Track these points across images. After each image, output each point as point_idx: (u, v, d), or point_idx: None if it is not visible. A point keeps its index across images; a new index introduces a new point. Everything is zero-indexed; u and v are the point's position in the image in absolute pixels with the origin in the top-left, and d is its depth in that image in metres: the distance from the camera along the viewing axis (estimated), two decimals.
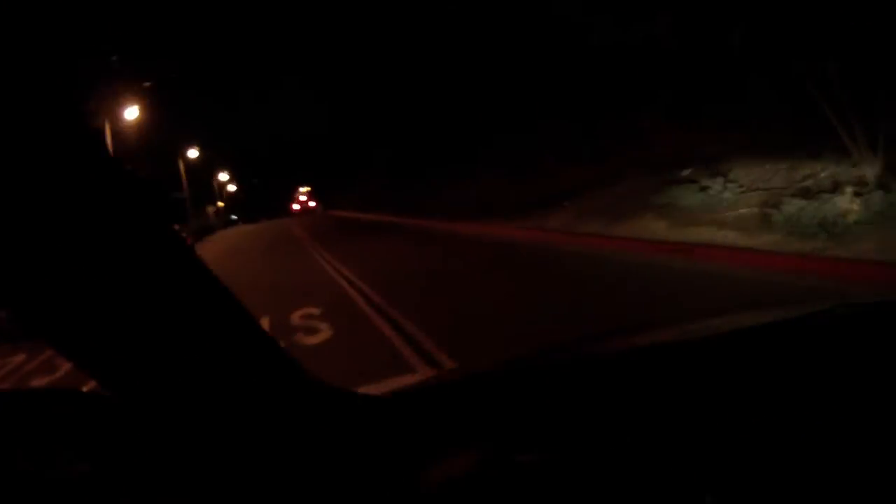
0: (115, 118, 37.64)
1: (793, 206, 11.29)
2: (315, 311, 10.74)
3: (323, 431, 0.99)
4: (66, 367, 8.06)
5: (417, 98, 31.98)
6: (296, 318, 10.42)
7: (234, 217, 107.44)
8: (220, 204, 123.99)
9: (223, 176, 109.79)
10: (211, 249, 37.74)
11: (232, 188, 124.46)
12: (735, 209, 12.81)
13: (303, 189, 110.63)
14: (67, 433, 0.87)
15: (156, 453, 0.88)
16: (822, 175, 11.88)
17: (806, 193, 11.58)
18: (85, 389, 0.96)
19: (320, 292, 12.73)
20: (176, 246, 0.89)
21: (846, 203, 10.48)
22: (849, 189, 10.73)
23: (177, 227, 31.68)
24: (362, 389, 1.19)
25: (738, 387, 1.22)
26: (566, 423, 1.16)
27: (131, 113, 38.20)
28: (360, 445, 1.01)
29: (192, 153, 68.87)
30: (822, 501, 0.93)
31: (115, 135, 58.47)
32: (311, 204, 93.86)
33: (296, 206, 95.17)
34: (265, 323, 10.01)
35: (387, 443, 1.06)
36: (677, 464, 0.99)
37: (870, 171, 10.78)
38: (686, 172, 15.15)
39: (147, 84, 41.23)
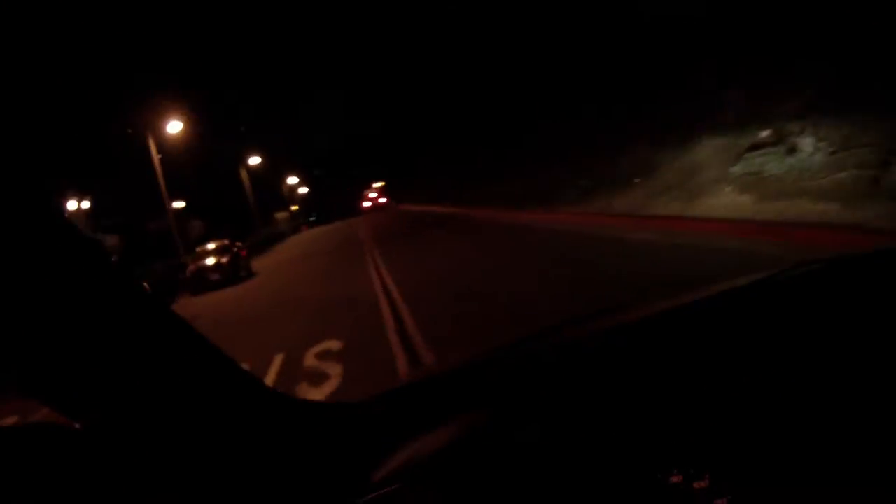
0: (159, 132, 36.76)
1: None
2: (335, 345, 9.29)
3: (281, 440, 1.07)
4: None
5: (476, 89, 31.87)
6: (310, 356, 9.10)
7: (312, 218, 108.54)
8: (294, 208, 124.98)
9: (292, 180, 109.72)
10: (272, 260, 37.51)
11: (303, 190, 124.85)
12: (830, 174, 10.56)
13: (375, 186, 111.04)
14: (41, 467, 0.90)
15: (126, 477, 0.93)
16: None
17: None
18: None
19: (352, 317, 11.40)
20: (134, 294, 0.97)
21: None
22: None
23: (238, 243, 31.17)
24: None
25: (702, 360, 1.23)
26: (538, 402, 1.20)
27: (174, 127, 38.59)
28: (313, 450, 1.09)
29: (254, 160, 68.13)
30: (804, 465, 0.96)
31: (176, 148, 58.22)
32: (382, 200, 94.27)
33: (366, 204, 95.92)
34: (277, 361, 9.32)
35: (339, 445, 1.13)
36: (654, 439, 1.03)
37: None
38: (765, 134, 12.86)
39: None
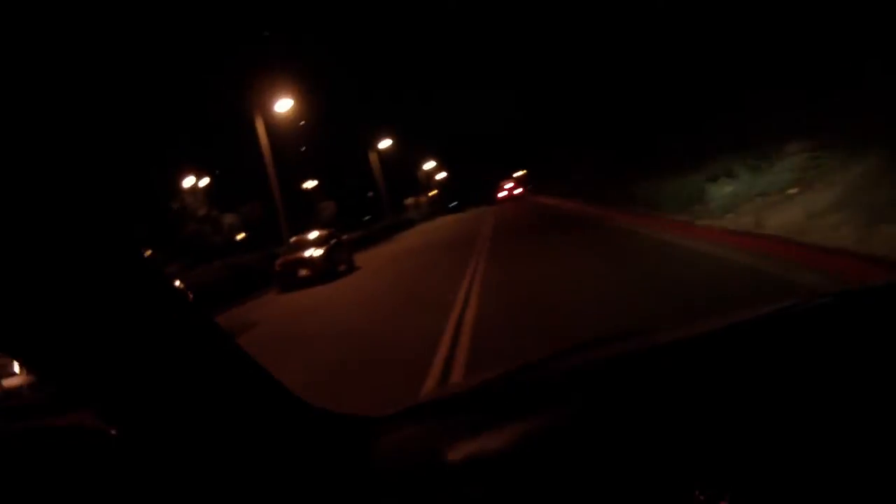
0: (267, 111, 33.93)
1: None
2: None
3: (308, 452, 1.12)
4: None
5: (617, 88, 29.88)
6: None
7: (453, 204, 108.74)
8: (432, 193, 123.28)
9: (428, 164, 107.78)
10: (385, 252, 34.85)
11: (441, 175, 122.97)
12: None
13: (515, 175, 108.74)
14: (69, 468, 0.98)
15: (157, 481, 0.99)
16: None
17: None
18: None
19: (401, 362, 8.56)
20: (172, 304, 1.02)
21: None
22: None
23: (344, 236, 28.59)
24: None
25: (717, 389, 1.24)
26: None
27: (283, 105, 36.63)
28: (340, 463, 1.14)
29: (385, 143, 65.24)
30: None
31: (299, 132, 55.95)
32: (517, 191, 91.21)
33: (502, 194, 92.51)
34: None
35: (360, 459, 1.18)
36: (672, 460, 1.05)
37: None
38: None
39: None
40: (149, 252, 60.14)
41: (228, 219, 63.95)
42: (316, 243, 24.92)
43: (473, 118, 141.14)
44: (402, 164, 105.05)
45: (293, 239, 27.10)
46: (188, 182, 62.82)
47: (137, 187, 57.70)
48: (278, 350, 11.26)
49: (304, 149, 76.77)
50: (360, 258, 31.84)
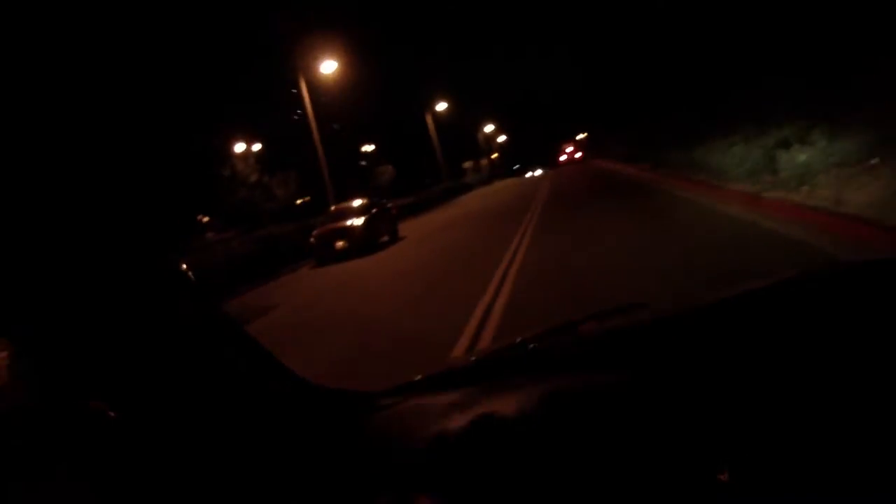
0: (311, 73, 32.60)
1: None
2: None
3: (303, 425, 1.15)
4: None
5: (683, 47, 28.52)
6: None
7: (516, 167, 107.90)
8: (494, 156, 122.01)
9: (488, 128, 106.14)
10: (435, 219, 33.55)
11: (501, 139, 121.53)
12: None
13: (578, 138, 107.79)
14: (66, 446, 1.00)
15: (146, 460, 1.00)
16: None
17: None
18: None
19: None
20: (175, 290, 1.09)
21: None
22: None
23: (388, 203, 27.50)
24: None
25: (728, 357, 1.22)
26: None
27: (327, 67, 34.47)
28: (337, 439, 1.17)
29: (441, 106, 63.45)
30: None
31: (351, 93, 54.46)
32: (577, 155, 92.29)
33: (562, 158, 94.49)
34: None
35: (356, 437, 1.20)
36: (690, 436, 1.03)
37: None
38: None
39: None
40: (206, 219, 59.83)
41: (282, 183, 63.05)
42: (355, 213, 23.43)
43: (536, 82, 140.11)
44: (461, 128, 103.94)
45: (332, 208, 25.72)
46: (239, 148, 62.17)
47: (187, 155, 57.18)
48: (291, 338, 9.85)
49: (339, 127, 75.74)
50: (409, 226, 30.62)
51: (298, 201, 66.56)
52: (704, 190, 15.31)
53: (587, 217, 17.86)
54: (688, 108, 26.44)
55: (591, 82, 64.78)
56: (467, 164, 79.48)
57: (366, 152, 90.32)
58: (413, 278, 13.96)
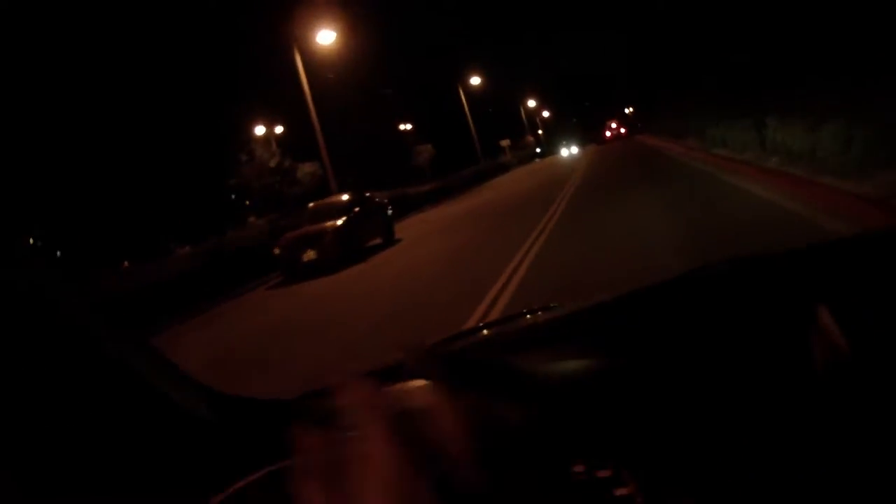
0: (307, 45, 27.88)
1: None
2: None
3: (208, 437, 1.09)
4: None
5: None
6: None
7: (537, 150, 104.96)
8: (539, 132, 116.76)
9: (531, 103, 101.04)
10: (457, 209, 28.87)
11: (546, 114, 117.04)
12: None
13: (626, 111, 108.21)
14: None
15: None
16: None
17: None
18: None
19: None
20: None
21: None
22: None
23: (382, 198, 23.83)
24: None
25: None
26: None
27: (325, 37, 30.90)
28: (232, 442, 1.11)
29: (475, 81, 57.78)
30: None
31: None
32: (622, 131, 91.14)
33: (608, 133, 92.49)
34: None
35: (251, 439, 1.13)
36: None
37: None
38: None
39: None
40: (247, 202, 55.11)
41: (307, 168, 58.53)
42: (335, 212, 18.44)
43: (582, 59, 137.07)
44: (501, 103, 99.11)
45: (311, 205, 20.61)
46: (260, 131, 57.61)
47: (204, 138, 52.94)
48: None
49: (389, 90, 70.98)
50: (416, 221, 26.68)
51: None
52: (789, 185, 11.25)
53: (615, 208, 14.99)
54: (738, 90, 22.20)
55: (638, 58, 61.59)
56: (504, 143, 73.12)
57: (403, 131, 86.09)
58: (385, 306, 10.58)
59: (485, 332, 1.86)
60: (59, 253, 49.68)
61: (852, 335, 0.95)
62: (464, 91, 55.78)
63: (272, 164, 54.32)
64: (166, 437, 1.03)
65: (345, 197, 19.89)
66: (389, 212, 21.59)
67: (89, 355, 0.98)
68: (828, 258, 1.42)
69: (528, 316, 1.97)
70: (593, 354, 1.19)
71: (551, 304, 2.03)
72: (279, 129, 60.20)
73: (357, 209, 18.94)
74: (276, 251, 17.82)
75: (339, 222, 17.67)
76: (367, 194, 20.95)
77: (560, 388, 1.07)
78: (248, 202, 57.89)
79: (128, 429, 1.00)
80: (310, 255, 17.04)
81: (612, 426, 0.96)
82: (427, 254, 15.99)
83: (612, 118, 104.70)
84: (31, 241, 49.42)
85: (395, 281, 13.28)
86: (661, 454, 0.91)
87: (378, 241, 19.87)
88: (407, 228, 23.72)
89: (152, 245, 47.83)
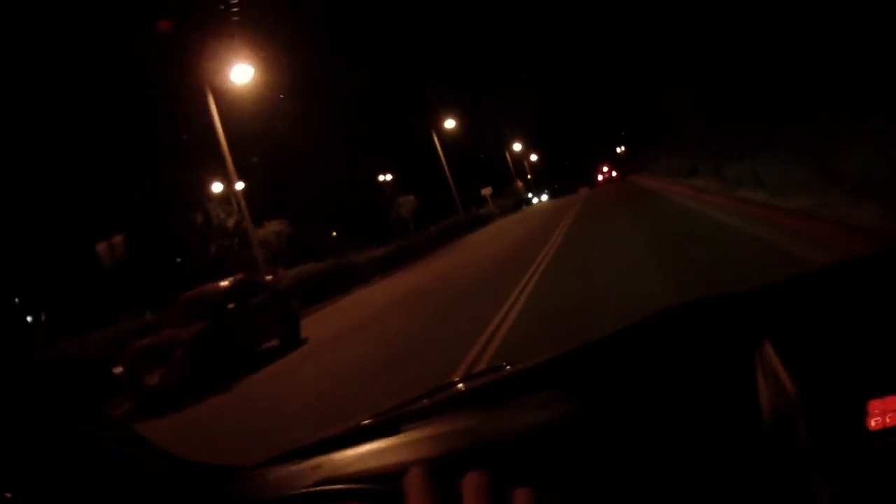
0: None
1: None
2: None
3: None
4: None
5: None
6: None
7: (529, 196, 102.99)
8: (528, 178, 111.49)
9: (517, 147, 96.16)
10: (407, 281, 23.28)
11: (534, 158, 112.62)
12: None
13: (618, 150, 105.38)
14: None
15: None
16: None
17: None
18: None
19: None
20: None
21: None
22: None
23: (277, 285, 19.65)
24: None
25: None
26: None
27: (239, 74, 24.87)
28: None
29: (449, 123, 52.06)
30: None
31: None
32: (614, 174, 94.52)
33: (600, 178, 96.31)
34: None
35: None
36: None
37: None
38: None
39: None
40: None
41: (273, 226, 52.89)
42: (203, 309, 12.66)
43: (567, 93, 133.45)
44: (483, 149, 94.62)
45: (183, 296, 14.67)
46: (217, 188, 52.05)
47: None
48: None
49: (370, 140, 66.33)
50: (349, 304, 21.76)
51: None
52: None
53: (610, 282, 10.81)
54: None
55: (623, 90, 55.78)
56: (486, 191, 66.48)
57: (383, 182, 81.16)
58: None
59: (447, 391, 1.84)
60: None
61: (792, 367, 0.97)
62: (438, 136, 49.98)
63: (230, 223, 48.72)
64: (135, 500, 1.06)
65: (225, 283, 14.06)
66: (291, 302, 15.75)
67: (56, 431, 1.02)
68: (775, 297, 1.38)
69: (489, 374, 1.99)
70: (553, 405, 1.21)
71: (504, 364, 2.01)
72: (240, 186, 54.75)
73: (238, 303, 13.09)
74: (118, 369, 11.93)
75: (198, 329, 11.83)
76: (269, 277, 15.24)
77: (517, 442, 1.12)
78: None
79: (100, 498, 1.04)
80: (154, 377, 11.23)
81: (566, 473, 1.01)
82: (336, 367, 11.02)
83: (603, 162, 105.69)
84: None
85: (271, 418, 8.78)
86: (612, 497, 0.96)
87: (274, 343, 14.01)
88: (326, 319, 18.25)
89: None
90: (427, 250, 36.70)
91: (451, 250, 34.34)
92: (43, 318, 47.01)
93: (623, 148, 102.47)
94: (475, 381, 2.01)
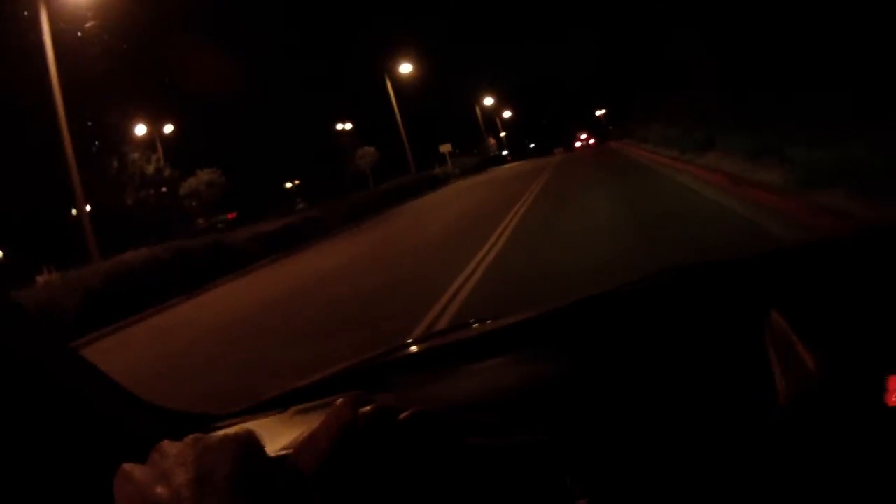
0: None
1: None
2: None
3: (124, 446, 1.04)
4: None
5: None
6: None
7: (504, 153, 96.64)
8: (501, 136, 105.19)
9: (488, 101, 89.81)
10: (311, 267, 16.61)
11: (507, 115, 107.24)
12: None
13: (598, 113, 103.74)
14: None
15: None
16: None
17: None
18: None
19: None
20: None
21: None
22: None
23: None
24: None
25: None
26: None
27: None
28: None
29: (406, 68, 44.85)
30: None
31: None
32: (591, 141, 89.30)
33: (577, 144, 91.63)
34: None
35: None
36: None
37: None
38: None
39: None
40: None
41: (204, 175, 46.16)
42: None
43: (549, 59, 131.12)
44: (457, 103, 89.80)
45: None
46: (141, 131, 45.15)
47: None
48: None
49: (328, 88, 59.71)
50: (181, 315, 14.51)
51: (228, 216, 49.55)
52: None
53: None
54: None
55: (612, 53, 52.47)
56: (444, 148, 58.21)
57: (341, 131, 74.71)
58: None
59: (426, 343, 1.78)
60: None
61: (807, 338, 0.93)
62: (393, 82, 42.89)
63: (150, 171, 41.87)
64: (114, 451, 0.96)
65: None
66: None
67: (34, 376, 0.97)
68: (778, 265, 1.36)
69: (476, 325, 1.86)
70: (549, 362, 1.18)
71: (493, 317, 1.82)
72: (168, 129, 47.47)
73: None
74: None
75: None
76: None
77: (517, 397, 1.10)
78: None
79: (78, 449, 0.99)
80: None
81: (566, 439, 0.97)
82: None
83: (582, 129, 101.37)
84: None
85: None
86: (612, 465, 0.92)
87: None
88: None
89: None
90: (341, 224, 28.25)
91: (378, 224, 26.61)
92: None
93: (604, 111, 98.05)
94: (453, 335, 1.77)
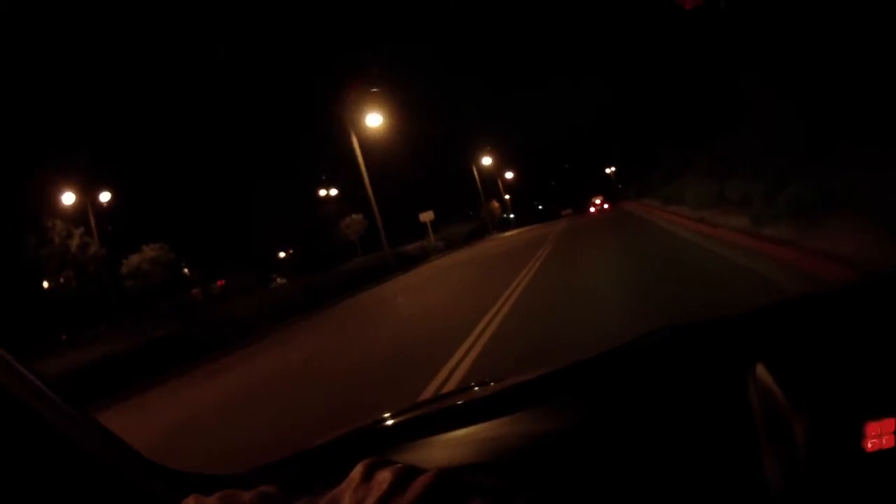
0: None
1: None
2: None
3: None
4: None
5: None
6: None
7: (510, 216, 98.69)
8: (499, 204, 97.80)
9: (487, 161, 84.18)
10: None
11: (509, 176, 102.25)
12: None
13: (608, 171, 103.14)
14: None
15: None
16: None
17: None
18: None
19: None
20: None
21: None
22: None
23: None
24: None
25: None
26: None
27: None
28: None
29: (374, 120, 37.57)
30: None
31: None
32: (605, 206, 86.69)
33: (592, 210, 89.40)
34: None
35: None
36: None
37: None
38: None
39: None
40: None
41: (149, 252, 39.48)
42: None
43: (557, 115, 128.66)
44: (450, 161, 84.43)
45: None
46: (69, 199, 38.40)
47: None
48: None
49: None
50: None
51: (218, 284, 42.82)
52: None
53: None
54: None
55: (623, 108, 50.85)
56: (425, 217, 49.07)
57: (325, 198, 69.22)
58: None
59: (430, 406, 1.71)
60: None
61: (789, 389, 0.97)
62: (360, 138, 35.87)
63: (73, 246, 35.10)
64: None
65: None
66: None
67: (41, 435, 0.98)
68: (764, 320, 1.38)
69: (476, 388, 1.89)
70: (544, 423, 1.20)
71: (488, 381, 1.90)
72: (105, 197, 40.37)
73: None
74: None
75: None
76: None
77: (514, 458, 1.13)
78: None
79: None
80: None
81: (564, 483, 1.01)
82: None
83: (595, 193, 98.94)
84: None
85: None
86: None
87: None
88: None
89: None
90: (221, 344, 18.16)
91: (283, 338, 17.97)
92: None
93: (613, 168, 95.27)
94: (461, 397, 1.71)
